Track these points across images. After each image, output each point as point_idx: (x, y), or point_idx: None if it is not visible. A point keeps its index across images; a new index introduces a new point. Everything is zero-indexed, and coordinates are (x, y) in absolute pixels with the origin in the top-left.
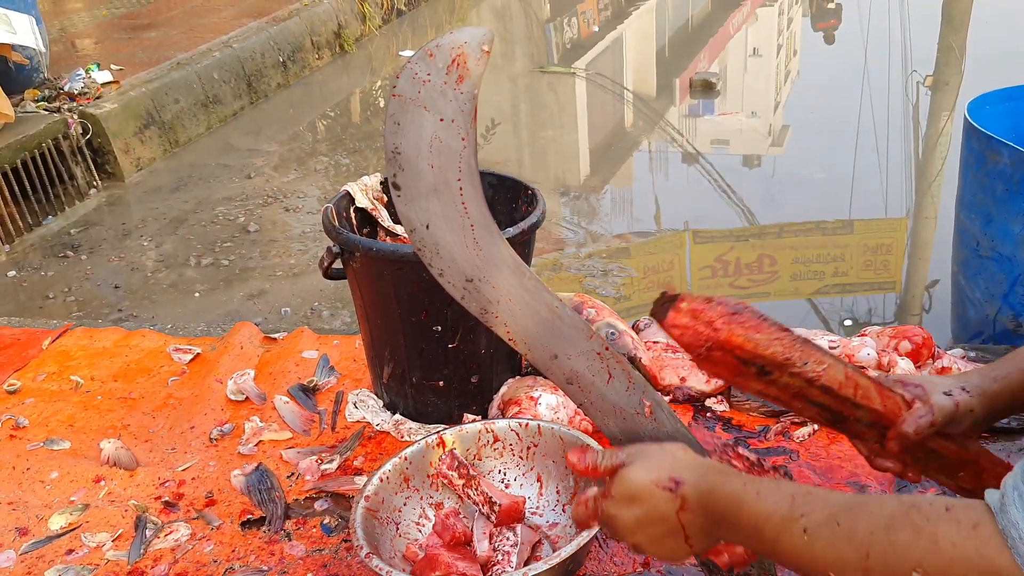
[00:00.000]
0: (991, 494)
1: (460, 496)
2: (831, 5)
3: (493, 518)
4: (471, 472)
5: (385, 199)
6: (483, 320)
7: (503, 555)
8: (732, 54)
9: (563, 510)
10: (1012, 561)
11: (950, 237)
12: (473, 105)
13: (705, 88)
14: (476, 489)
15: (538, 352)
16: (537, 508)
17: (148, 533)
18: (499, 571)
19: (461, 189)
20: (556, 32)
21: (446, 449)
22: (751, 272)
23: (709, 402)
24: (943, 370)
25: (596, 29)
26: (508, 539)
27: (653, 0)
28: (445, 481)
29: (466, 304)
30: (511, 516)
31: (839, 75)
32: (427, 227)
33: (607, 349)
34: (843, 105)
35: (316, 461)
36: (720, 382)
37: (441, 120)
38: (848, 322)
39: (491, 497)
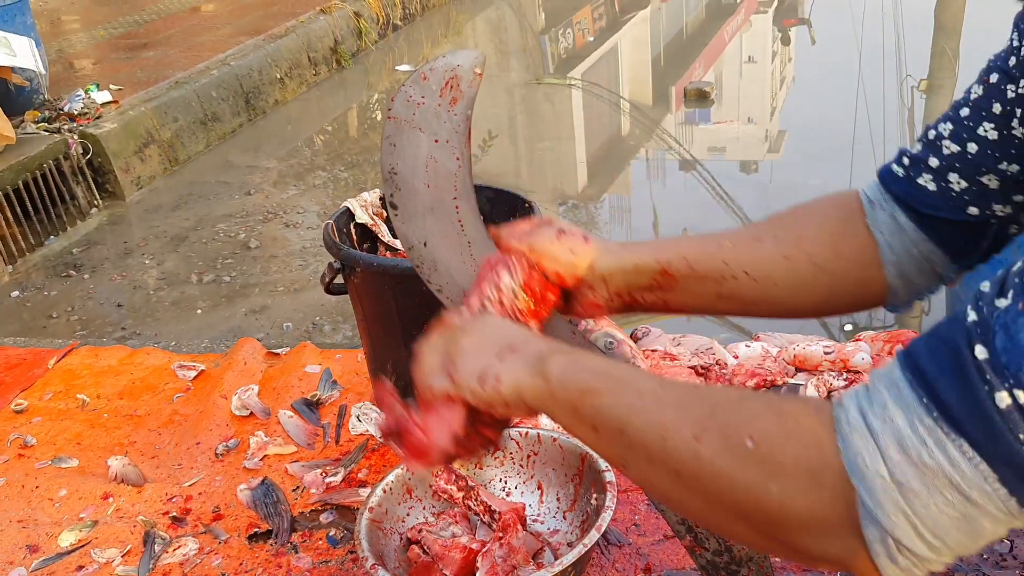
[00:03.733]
0: None
1: (461, 507)
2: (806, 19)
3: (494, 526)
4: (469, 483)
5: (385, 214)
6: None
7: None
8: (727, 61)
9: (564, 517)
10: (836, 447)
11: None
12: (467, 126)
13: (699, 97)
14: (476, 499)
15: None
16: (538, 515)
17: (157, 548)
18: None
19: (457, 207)
20: (551, 43)
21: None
22: None
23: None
24: None
25: (591, 39)
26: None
27: (647, 9)
28: (445, 496)
29: None
30: (511, 523)
31: (834, 80)
32: (424, 244)
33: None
34: (838, 110)
35: (321, 474)
36: None
37: (436, 141)
38: (848, 327)
39: (490, 506)
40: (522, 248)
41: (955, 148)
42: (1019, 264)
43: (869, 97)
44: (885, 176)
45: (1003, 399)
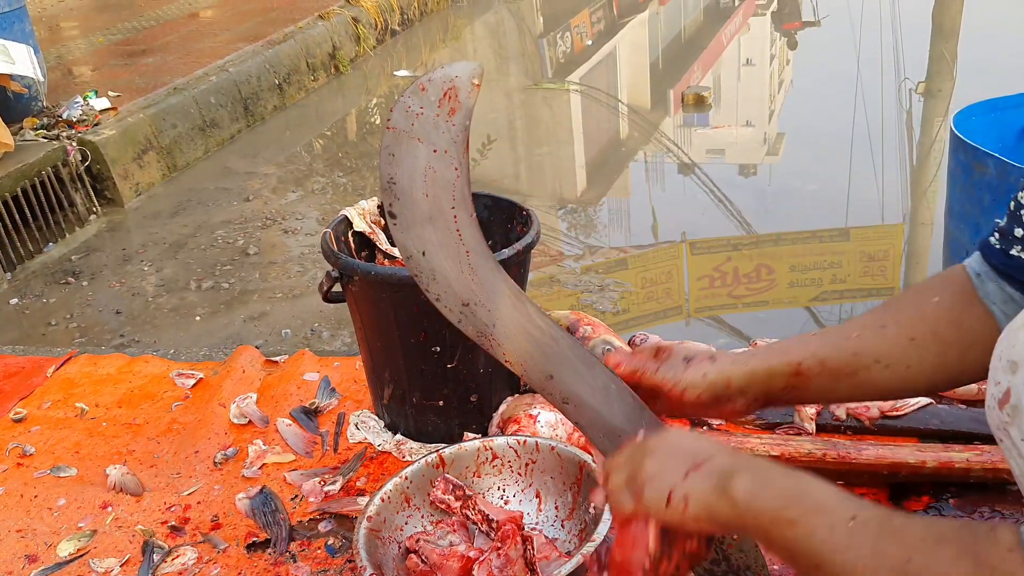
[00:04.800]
0: None
1: (459, 516)
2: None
3: (492, 535)
4: (467, 492)
5: (382, 223)
6: (479, 343)
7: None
8: (725, 64)
9: (562, 525)
10: None
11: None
12: (465, 136)
13: (697, 102)
14: (473, 508)
15: (534, 373)
16: (536, 524)
17: (155, 558)
18: None
19: (455, 217)
20: (550, 47)
21: (445, 468)
22: (749, 281)
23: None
24: None
25: (589, 43)
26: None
27: (645, 13)
28: (443, 506)
29: (463, 328)
30: (511, 534)
31: (832, 83)
32: (423, 254)
33: (604, 368)
34: (837, 112)
35: (319, 483)
36: None
37: (435, 151)
38: None
39: (488, 515)
40: (658, 382)
41: None
42: None
43: (867, 100)
44: (984, 249)
45: None
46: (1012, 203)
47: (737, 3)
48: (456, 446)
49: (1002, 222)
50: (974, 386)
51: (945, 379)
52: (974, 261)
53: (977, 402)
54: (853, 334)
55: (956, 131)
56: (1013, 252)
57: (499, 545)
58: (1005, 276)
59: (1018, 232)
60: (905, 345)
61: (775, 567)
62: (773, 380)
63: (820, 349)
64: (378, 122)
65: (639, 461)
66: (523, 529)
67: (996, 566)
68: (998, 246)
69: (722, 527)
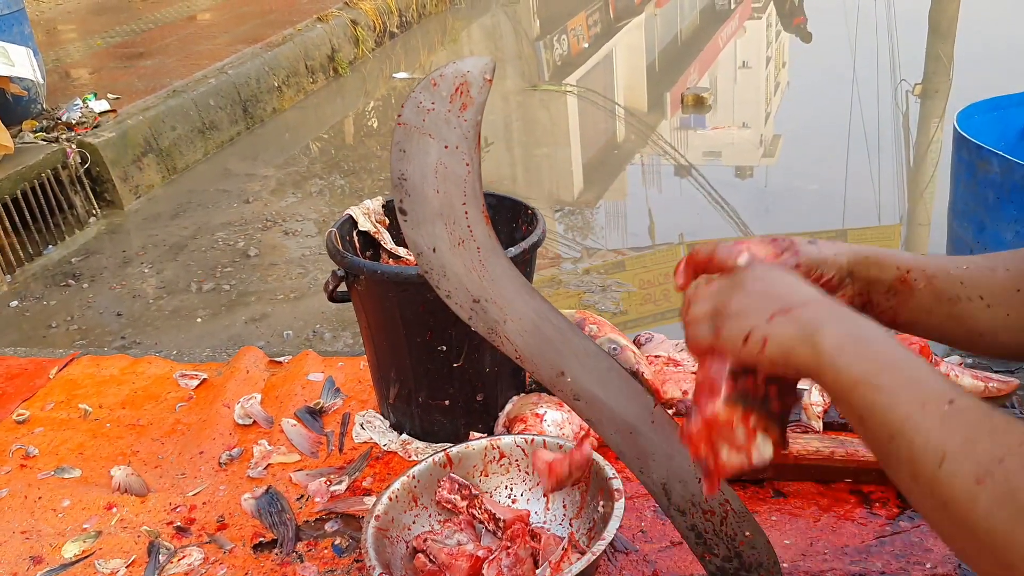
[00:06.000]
0: None
1: (466, 516)
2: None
3: (499, 534)
4: (473, 491)
5: (387, 222)
6: (490, 340)
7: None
8: (722, 67)
9: (570, 524)
10: None
11: (944, 243)
12: (476, 132)
13: (697, 103)
14: (480, 508)
15: (545, 370)
16: (544, 523)
17: (161, 558)
18: None
19: (467, 213)
20: (546, 50)
21: (452, 467)
22: None
23: None
24: None
25: (586, 46)
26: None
27: (642, 16)
28: (449, 506)
29: (473, 324)
30: (520, 533)
31: (828, 85)
32: (434, 250)
33: (614, 365)
34: (833, 114)
35: (325, 483)
36: None
37: (446, 147)
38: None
39: (495, 514)
40: (811, 269)
41: None
42: None
43: (864, 101)
44: None
45: None
46: None
47: (733, 6)
48: (463, 445)
49: None
50: (980, 384)
51: None
52: None
53: (986, 399)
54: (964, 265)
55: (959, 129)
56: None
57: (508, 544)
58: None
59: None
60: (1011, 293)
61: (785, 564)
62: (883, 274)
63: (929, 266)
64: (377, 125)
65: (727, 294)
66: (530, 527)
67: None
68: None
69: (798, 373)
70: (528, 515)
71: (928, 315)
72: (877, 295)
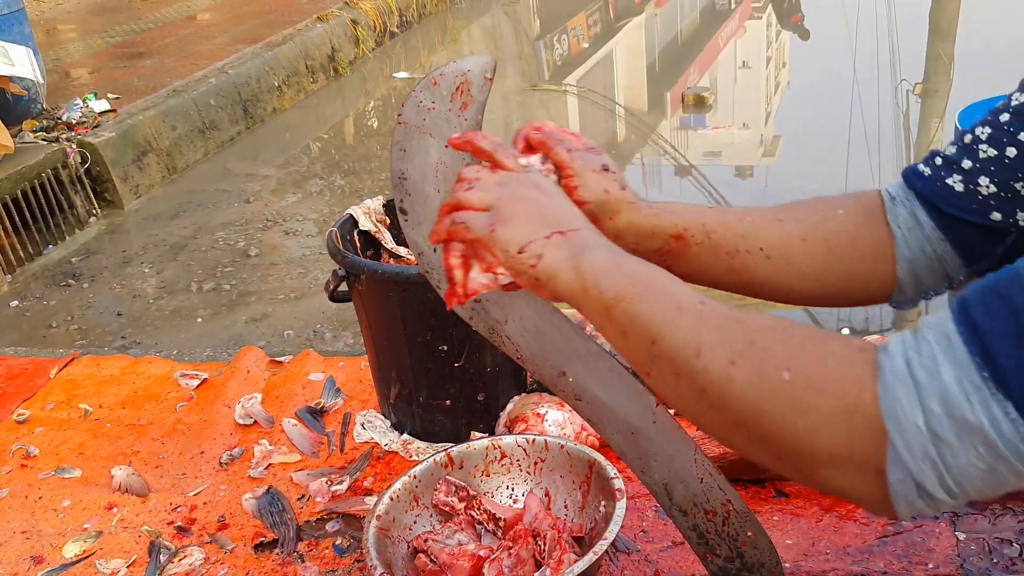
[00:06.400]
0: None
1: (464, 517)
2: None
3: (499, 533)
4: (470, 493)
5: (388, 221)
6: (491, 339)
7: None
8: (722, 67)
9: (572, 523)
10: (876, 393)
11: None
12: (478, 131)
13: (698, 103)
14: (478, 508)
15: (546, 370)
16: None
17: (162, 559)
18: None
19: None
20: (546, 50)
21: (453, 467)
22: None
23: None
24: None
25: (586, 46)
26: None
27: (642, 16)
28: (447, 508)
29: (474, 324)
30: (523, 534)
31: (828, 84)
32: (434, 250)
33: (615, 365)
34: (833, 114)
35: (326, 483)
36: None
37: (446, 146)
38: (845, 331)
39: (494, 514)
40: (562, 159)
41: (992, 152)
42: None
43: (864, 101)
44: (910, 175)
45: None
46: (968, 136)
47: (733, 6)
48: (465, 445)
49: (947, 152)
50: None
51: (818, 292)
52: (891, 187)
53: None
54: (748, 217)
55: (961, 128)
56: (948, 181)
57: (510, 545)
58: (926, 203)
59: (966, 164)
60: (795, 244)
61: (787, 565)
62: (654, 237)
63: (710, 221)
64: (377, 125)
65: (513, 194)
66: (532, 527)
67: (840, 355)
68: (929, 173)
69: (556, 297)
70: (524, 514)
71: (706, 269)
72: (646, 254)
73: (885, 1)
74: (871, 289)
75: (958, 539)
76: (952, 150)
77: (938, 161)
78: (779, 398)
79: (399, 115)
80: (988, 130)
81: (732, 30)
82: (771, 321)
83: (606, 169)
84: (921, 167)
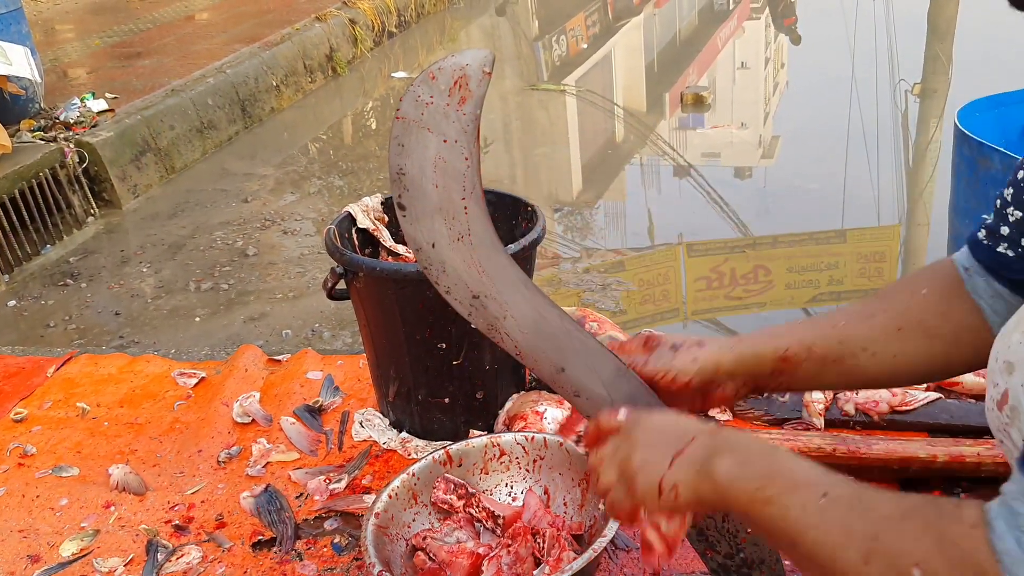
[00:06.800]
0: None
1: (463, 514)
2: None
3: (498, 531)
4: (469, 490)
5: (386, 219)
6: (490, 336)
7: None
8: (721, 67)
9: (571, 521)
10: (998, 572)
11: (943, 243)
12: (476, 126)
13: (697, 102)
14: (477, 506)
15: (545, 365)
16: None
17: (160, 557)
18: None
19: (466, 208)
20: (545, 50)
21: (452, 464)
22: (746, 283)
23: (712, 411)
24: None
25: (585, 46)
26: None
27: (640, 16)
28: (446, 507)
29: (473, 320)
30: (522, 532)
31: (827, 85)
32: (433, 246)
33: (614, 360)
34: (832, 114)
35: (324, 481)
36: None
37: (445, 141)
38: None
39: (493, 512)
40: (648, 374)
41: (1019, 214)
42: None
43: (862, 101)
44: (973, 245)
45: None
46: (998, 200)
47: (732, 6)
48: (464, 443)
49: (990, 219)
50: (983, 380)
51: (932, 370)
52: (962, 256)
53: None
54: (841, 322)
55: (960, 126)
56: (1000, 249)
57: (509, 542)
58: (992, 272)
59: (1004, 230)
60: (892, 334)
61: (787, 562)
62: (761, 364)
63: (807, 335)
64: (375, 125)
65: (625, 452)
66: (532, 525)
67: (958, 542)
68: (986, 242)
69: (711, 508)
70: (523, 512)
71: (819, 379)
72: (761, 381)
73: (883, 1)
74: (976, 358)
75: None
76: (992, 218)
77: (983, 232)
78: None
79: (397, 110)
80: (1011, 191)
81: (731, 30)
82: (888, 508)
83: (676, 348)
84: (980, 235)
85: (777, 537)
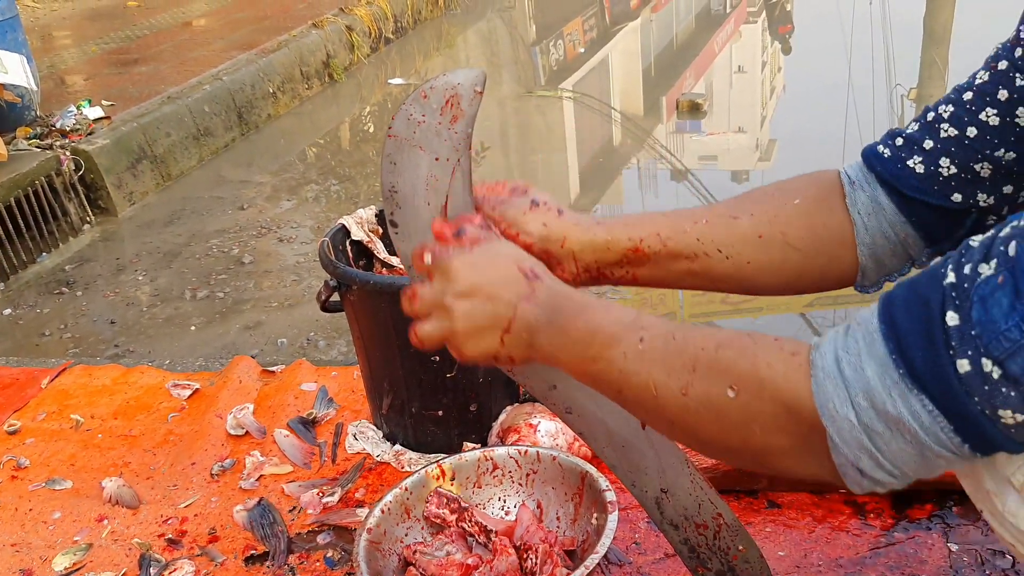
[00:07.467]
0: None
1: (456, 529)
2: (788, 7)
3: (491, 546)
4: (462, 505)
5: (380, 231)
6: None
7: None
8: (717, 72)
9: (564, 536)
10: (810, 391)
11: None
12: (468, 144)
13: (692, 109)
14: (470, 521)
15: (537, 383)
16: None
17: (152, 571)
18: None
19: None
20: (542, 55)
21: (445, 478)
22: None
23: None
24: None
25: (582, 51)
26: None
27: (638, 21)
28: (438, 520)
29: None
30: (503, 548)
31: (823, 90)
32: None
33: None
34: (828, 119)
35: (318, 494)
36: None
37: (436, 159)
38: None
39: (486, 526)
40: (495, 217)
41: (953, 132)
42: (1006, 230)
43: (859, 106)
44: (870, 156)
45: (963, 365)
46: (931, 114)
47: (729, 10)
48: (456, 456)
49: (908, 131)
50: None
51: (779, 283)
52: (851, 168)
53: None
54: (703, 219)
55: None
56: (909, 163)
57: (491, 559)
58: (886, 185)
59: (927, 144)
60: (752, 240)
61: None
62: (610, 251)
63: (664, 229)
64: (372, 130)
65: (448, 315)
66: (522, 540)
67: (773, 364)
68: (889, 155)
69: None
70: (516, 526)
71: (666, 274)
72: (608, 268)
73: (880, 6)
74: (832, 276)
75: (951, 550)
76: (915, 128)
77: (899, 141)
78: (732, 414)
79: (389, 128)
80: (951, 108)
81: (727, 35)
82: (704, 340)
83: (535, 204)
84: (880, 148)
85: (606, 389)
